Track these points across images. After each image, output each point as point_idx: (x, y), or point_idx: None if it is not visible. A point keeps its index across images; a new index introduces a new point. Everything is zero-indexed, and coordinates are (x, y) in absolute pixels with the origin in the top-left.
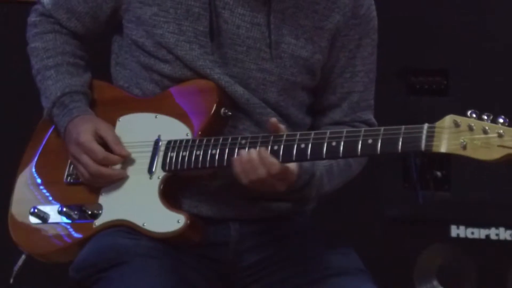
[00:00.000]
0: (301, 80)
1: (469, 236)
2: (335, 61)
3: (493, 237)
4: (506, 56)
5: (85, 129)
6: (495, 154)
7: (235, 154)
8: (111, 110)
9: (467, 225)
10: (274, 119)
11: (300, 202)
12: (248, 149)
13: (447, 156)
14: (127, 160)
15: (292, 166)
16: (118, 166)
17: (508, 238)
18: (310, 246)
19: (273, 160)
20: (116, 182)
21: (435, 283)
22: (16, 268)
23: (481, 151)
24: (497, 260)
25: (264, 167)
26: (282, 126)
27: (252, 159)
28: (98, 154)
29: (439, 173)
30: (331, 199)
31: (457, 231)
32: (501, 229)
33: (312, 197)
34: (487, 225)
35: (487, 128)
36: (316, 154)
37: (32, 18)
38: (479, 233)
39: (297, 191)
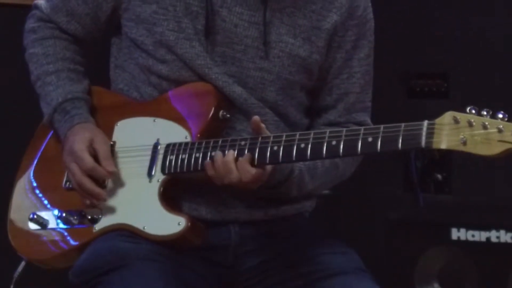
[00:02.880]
0: (299, 79)
1: (470, 238)
2: (332, 61)
3: (493, 239)
4: (506, 58)
5: (81, 138)
6: (495, 149)
7: None
8: (109, 115)
9: (468, 227)
10: (256, 117)
11: (280, 196)
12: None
13: (448, 159)
14: (126, 162)
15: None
16: (110, 183)
17: (509, 240)
18: (311, 248)
19: (248, 167)
20: (100, 202)
21: (436, 285)
22: (16, 274)
23: (481, 147)
24: (498, 263)
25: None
26: (263, 125)
27: (228, 161)
28: (87, 163)
29: (439, 176)
30: (331, 202)
31: (457, 233)
32: (502, 232)
33: (292, 194)
34: (487, 228)
35: (486, 123)
36: (316, 154)
37: (30, 24)
38: (480, 235)
39: (273, 188)
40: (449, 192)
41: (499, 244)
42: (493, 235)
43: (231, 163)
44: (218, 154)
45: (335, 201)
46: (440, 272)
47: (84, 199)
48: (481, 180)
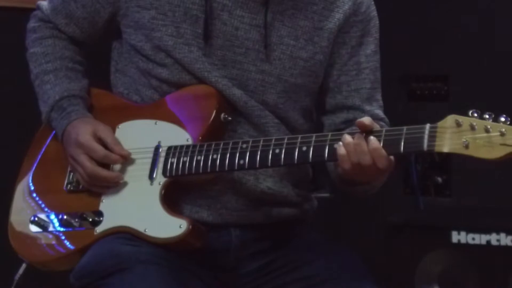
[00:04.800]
0: (302, 82)
1: (470, 241)
2: (337, 57)
3: (494, 242)
4: (506, 61)
5: (84, 130)
6: (497, 152)
7: (236, 158)
8: (111, 118)
9: (468, 230)
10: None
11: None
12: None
13: (447, 162)
14: (127, 164)
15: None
16: (118, 168)
17: (509, 243)
18: (311, 251)
19: (383, 153)
20: (114, 186)
21: None
22: (17, 277)
23: (483, 150)
24: (498, 266)
25: (371, 156)
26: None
27: (360, 143)
28: (99, 152)
29: (439, 179)
30: (332, 205)
31: (458, 236)
32: (502, 235)
33: (376, 189)
34: (488, 231)
35: (489, 127)
36: (318, 156)
37: (31, 24)
38: (480, 238)
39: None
40: (449, 195)
41: (500, 247)
42: (493, 238)
43: (363, 145)
44: (346, 137)
45: (336, 204)
46: (440, 275)
47: (98, 187)
48: (481, 183)
